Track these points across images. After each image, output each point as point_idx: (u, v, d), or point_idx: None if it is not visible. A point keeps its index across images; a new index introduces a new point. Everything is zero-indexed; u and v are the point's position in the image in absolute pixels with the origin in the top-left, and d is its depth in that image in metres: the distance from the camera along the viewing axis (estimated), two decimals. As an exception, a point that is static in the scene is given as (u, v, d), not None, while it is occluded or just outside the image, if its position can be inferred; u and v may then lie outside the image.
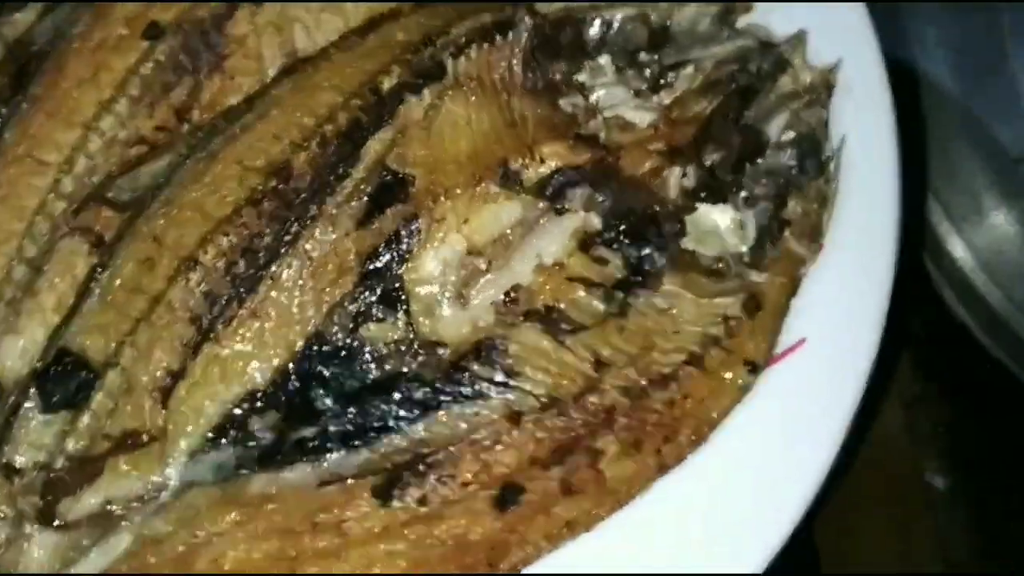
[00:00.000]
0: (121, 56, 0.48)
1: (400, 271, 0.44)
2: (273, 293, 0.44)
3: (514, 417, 0.42)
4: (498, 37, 0.46)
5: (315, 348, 0.44)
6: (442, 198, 0.44)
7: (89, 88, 0.48)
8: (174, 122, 0.48)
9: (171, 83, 0.48)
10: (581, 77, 0.47)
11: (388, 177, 0.44)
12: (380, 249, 0.44)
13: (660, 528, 0.42)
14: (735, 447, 0.43)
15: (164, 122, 0.48)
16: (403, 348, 0.44)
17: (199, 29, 0.48)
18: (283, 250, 0.44)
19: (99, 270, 0.45)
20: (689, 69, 0.47)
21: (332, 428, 0.43)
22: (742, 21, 0.48)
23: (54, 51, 0.48)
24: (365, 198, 0.44)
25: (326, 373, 0.44)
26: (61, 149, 0.47)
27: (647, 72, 0.47)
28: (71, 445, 0.43)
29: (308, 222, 0.44)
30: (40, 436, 0.43)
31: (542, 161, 0.44)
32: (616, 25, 0.47)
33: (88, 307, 0.44)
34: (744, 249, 0.46)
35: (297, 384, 0.43)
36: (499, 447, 0.42)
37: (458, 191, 0.44)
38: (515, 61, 0.46)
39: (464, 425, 0.42)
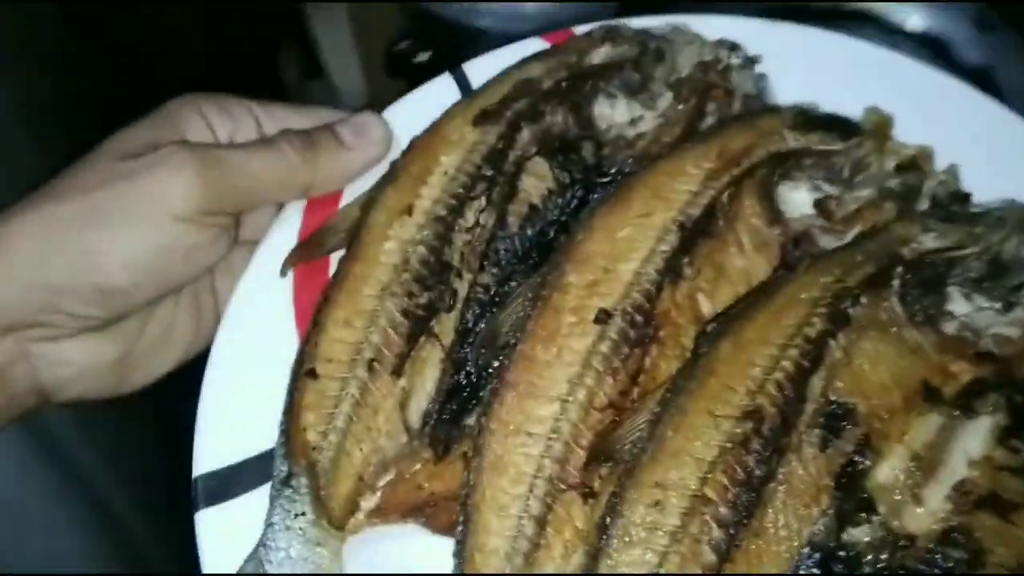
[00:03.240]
0: (577, 339, 0.59)
1: (866, 482, 0.55)
2: (769, 518, 0.54)
3: (995, 589, 0.52)
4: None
5: (810, 554, 0.54)
6: (883, 417, 0.56)
7: (558, 368, 0.59)
8: (630, 386, 0.59)
9: (625, 355, 0.59)
10: (948, 306, 0.60)
11: (835, 408, 0.56)
12: (845, 467, 0.55)
13: None
14: None
15: (624, 387, 0.59)
16: (881, 545, 0.54)
17: (638, 310, 0.60)
18: (768, 480, 0.55)
19: (609, 518, 0.55)
20: (1031, 288, 0.60)
21: (845, 620, 0.53)
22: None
23: (519, 343, 0.60)
24: (818, 428, 0.56)
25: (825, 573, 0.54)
26: (544, 422, 0.58)
27: (995, 294, 0.60)
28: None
29: (782, 454, 0.55)
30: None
31: (955, 377, 0.57)
32: (963, 264, 0.61)
33: (611, 548, 0.54)
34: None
35: (802, 589, 0.53)
36: (991, 616, 0.52)
37: (895, 411, 0.56)
38: (895, 300, 0.59)
39: (956, 602, 0.52)
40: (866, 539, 0.54)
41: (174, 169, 0.62)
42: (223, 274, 0.71)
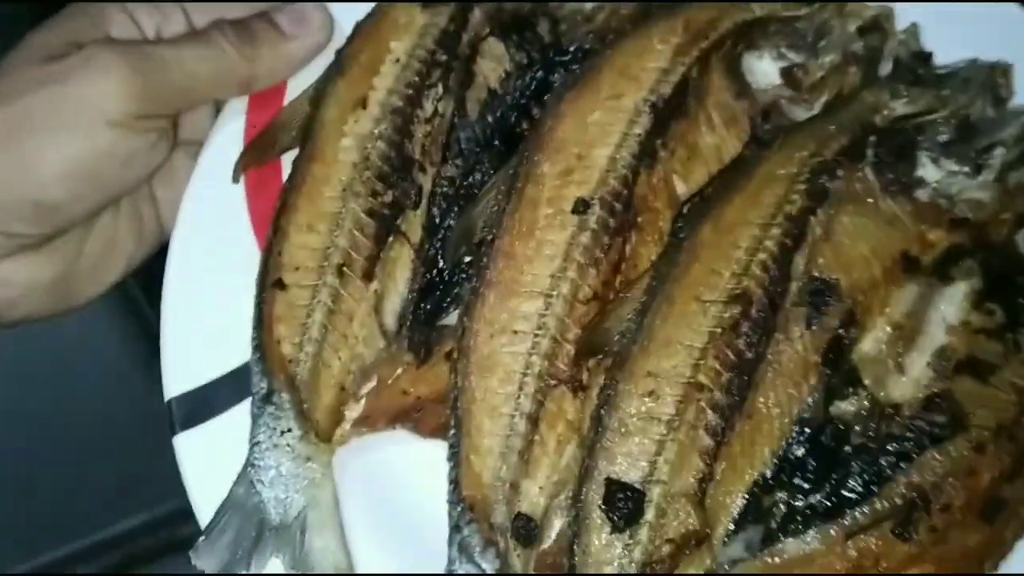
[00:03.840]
0: (556, 231, 0.58)
1: (851, 356, 0.56)
2: (760, 398, 0.55)
3: (979, 448, 0.54)
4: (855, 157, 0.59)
5: (802, 430, 0.55)
6: (865, 290, 0.56)
7: (538, 263, 0.57)
8: (612, 276, 0.58)
9: (605, 245, 0.58)
10: (918, 172, 0.60)
11: (818, 284, 0.56)
12: (831, 343, 0.56)
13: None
14: None
15: (607, 277, 0.58)
16: (868, 415, 0.55)
17: (615, 197, 0.58)
18: (759, 362, 0.55)
19: (603, 410, 0.55)
20: (999, 149, 0.60)
21: (837, 491, 0.54)
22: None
23: (496, 239, 0.58)
24: (803, 306, 0.56)
25: (815, 449, 0.55)
26: (529, 319, 0.57)
27: (963, 158, 0.60)
28: (637, 555, 0.53)
29: (770, 335, 0.55)
30: (607, 552, 0.53)
31: (932, 245, 0.57)
32: (932, 129, 0.60)
33: (607, 439, 0.54)
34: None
35: (796, 462, 0.55)
36: (975, 474, 0.54)
37: (877, 283, 0.56)
38: (869, 170, 0.59)
39: (942, 463, 0.54)
40: (853, 411, 0.56)
41: (103, 71, 0.57)
42: (163, 180, 0.66)
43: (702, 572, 0.53)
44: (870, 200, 0.59)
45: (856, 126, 0.60)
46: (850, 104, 0.61)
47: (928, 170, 0.60)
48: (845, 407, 0.56)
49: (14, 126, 0.57)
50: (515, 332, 0.57)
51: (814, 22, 0.65)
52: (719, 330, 0.55)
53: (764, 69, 0.64)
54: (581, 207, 0.58)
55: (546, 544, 0.56)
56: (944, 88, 0.62)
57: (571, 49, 0.65)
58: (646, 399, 0.55)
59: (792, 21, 0.64)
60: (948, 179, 0.60)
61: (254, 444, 0.55)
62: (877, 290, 0.57)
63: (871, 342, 0.56)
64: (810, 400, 0.56)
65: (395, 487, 0.58)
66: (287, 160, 0.63)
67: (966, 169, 0.60)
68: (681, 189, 0.61)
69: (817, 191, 0.58)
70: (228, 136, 0.64)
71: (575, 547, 0.54)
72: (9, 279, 0.61)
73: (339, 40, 0.65)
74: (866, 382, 0.56)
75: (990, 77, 0.62)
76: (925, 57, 0.65)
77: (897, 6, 0.65)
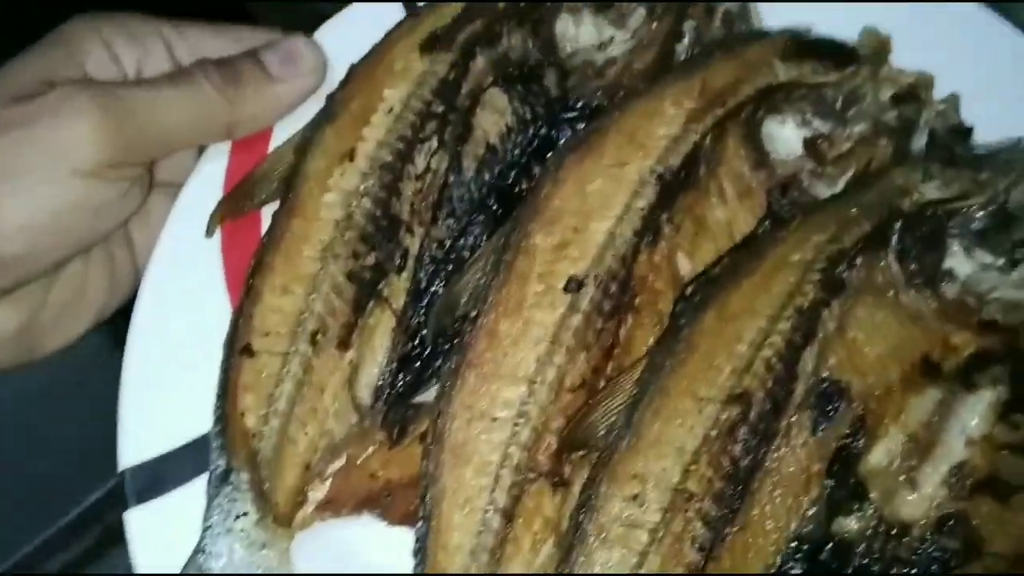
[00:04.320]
0: (546, 311, 0.54)
1: (859, 467, 0.51)
2: (755, 509, 0.50)
3: (995, 581, 0.49)
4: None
5: (798, 547, 0.50)
6: (878, 395, 0.51)
7: (524, 345, 0.53)
8: (604, 362, 0.54)
9: (597, 328, 0.54)
10: (948, 263, 0.55)
11: (828, 387, 0.52)
12: (837, 452, 0.51)
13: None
14: None
15: (598, 363, 0.54)
16: (873, 533, 0.51)
17: (612, 277, 0.54)
18: (756, 470, 0.50)
19: (583, 512, 0.51)
20: (1038, 243, 0.55)
21: (835, 616, 0.50)
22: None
23: (481, 316, 0.54)
24: (809, 410, 0.51)
25: (813, 568, 0.50)
26: (510, 405, 0.53)
27: (999, 249, 0.55)
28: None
29: (770, 440, 0.51)
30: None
31: (956, 349, 0.52)
32: (965, 215, 0.55)
33: (581, 550, 0.50)
34: None
35: (791, 581, 0.50)
36: (989, 611, 0.49)
37: (892, 388, 0.51)
38: (892, 259, 0.54)
39: (952, 594, 0.49)
40: (857, 529, 0.51)
41: (73, 116, 0.54)
42: (139, 222, 0.63)
43: None
44: (891, 293, 0.54)
45: (882, 210, 0.55)
46: (877, 184, 0.56)
47: (958, 260, 0.55)
48: (849, 523, 0.51)
49: None
50: (494, 419, 0.53)
51: (844, 88, 0.60)
52: (714, 432, 0.50)
53: (786, 136, 0.59)
54: (574, 286, 0.54)
55: (512, 655, 0.52)
56: (983, 171, 0.57)
57: (579, 105, 0.61)
58: (630, 503, 0.50)
59: (821, 87, 0.59)
60: (980, 273, 0.54)
61: (206, 528, 0.52)
62: (892, 396, 0.52)
63: (882, 453, 0.52)
64: (811, 514, 0.51)
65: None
66: (266, 212, 0.59)
67: (1000, 262, 0.55)
68: (685, 267, 0.56)
69: (833, 283, 0.53)
70: (206, 182, 0.60)
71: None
72: None
73: (332, 82, 0.62)
74: (873, 497, 0.51)
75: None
76: (964, 132, 0.60)
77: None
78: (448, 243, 0.59)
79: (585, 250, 0.55)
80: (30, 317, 0.59)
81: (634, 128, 0.57)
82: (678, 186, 0.56)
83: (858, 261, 0.54)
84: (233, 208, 0.59)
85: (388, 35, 0.61)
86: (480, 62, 0.61)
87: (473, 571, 0.51)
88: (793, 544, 0.51)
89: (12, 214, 0.54)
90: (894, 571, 0.50)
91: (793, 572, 0.50)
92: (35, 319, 0.59)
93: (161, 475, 0.54)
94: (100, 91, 0.55)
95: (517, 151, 0.61)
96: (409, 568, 0.52)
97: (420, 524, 0.52)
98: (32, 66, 0.57)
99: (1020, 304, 0.54)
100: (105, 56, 0.59)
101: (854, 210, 0.55)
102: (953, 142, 0.59)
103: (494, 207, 0.60)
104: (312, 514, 0.55)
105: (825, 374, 0.52)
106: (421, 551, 0.52)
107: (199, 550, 0.52)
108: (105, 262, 0.62)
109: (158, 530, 0.53)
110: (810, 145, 0.59)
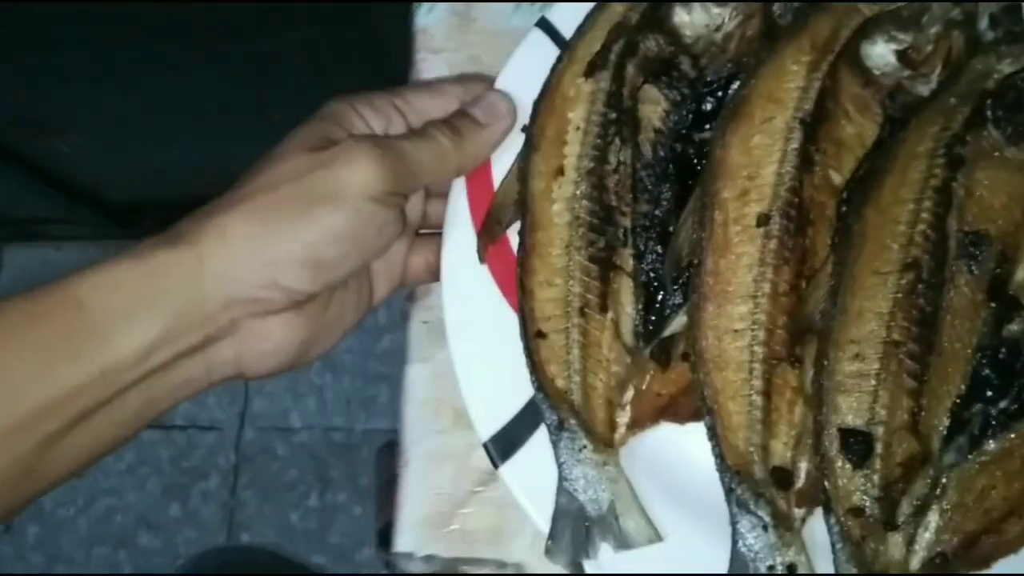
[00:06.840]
0: (748, 244, 0.72)
1: (1008, 286, 0.69)
2: (945, 338, 0.70)
3: None
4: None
5: (982, 356, 0.69)
6: (1011, 230, 0.69)
7: (740, 273, 0.72)
8: (801, 268, 0.73)
9: (790, 245, 0.72)
10: (1035, 117, 0.72)
11: (971, 237, 0.70)
12: (990, 281, 0.69)
13: None
14: None
15: (798, 270, 0.73)
16: (1038, 335, 0.70)
17: (789, 204, 0.72)
18: (938, 311, 0.69)
19: (822, 376, 0.70)
20: (1098, 81, 0.72)
21: (1020, 395, 0.69)
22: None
23: (700, 262, 0.73)
24: (964, 258, 0.70)
25: (996, 367, 0.69)
26: (744, 318, 0.72)
27: (1069, 95, 0.72)
28: (876, 480, 0.68)
29: (942, 287, 0.69)
30: (852, 485, 0.69)
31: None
32: (1038, 76, 0.72)
33: (828, 401, 0.70)
34: None
35: (983, 380, 0.69)
36: None
37: (1019, 223, 0.69)
38: (991, 128, 0.71)
39: (1103, 356, 0.68)
40: (1019, 329, 0.70)
41: (362, 158, 0.72)
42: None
43: (928, 481, 0.69)
44: (996, 154, 0.71)
45: (973, 94, 0.72)
46: (963, 76, 0.73)
47: (1047, 109, 0.72)
48: (1013, 328, 0.70)
49: (297, 200, 0.71)
50: (735, 331, 0.72)
51: (913, 2, 0.76)
52: (900, 295, 0.69)
53: (880, 54, 0.76)
54: (763, 220, 0.72)
55: (800, 484, 0.72)
56: (1040, 38, 0.73)
57: (715, 79, 0.78)
58: (854, 360, 0.70)
59: (896, 9, 0.76)
60: (1060, 117, 0.72)
61: (561, 464, 0.73)
62: (1021, 229, 0.70)
63: (1023, 271, 0.70)
64: (984, 330, 0.70)
65: (672, 467, 0.75)
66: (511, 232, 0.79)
67: (1073, 103, 0.72)
68: (838, 180, 0.74)
69: (954, 160, 0.71)
70: (458, 212, 0.80)
71: (826, 485, 0.70)
72: (271, 333, 0.74)
73: (522, 117, 0.80)
74: (1025, 304, 0.70)
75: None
76: (1013, 10, 0.76)
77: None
78: (651, 210, 0.78)
79: (763, 192, 0.73)
80: (314, 328, 0.75)
81: (770, 89, 0.74)
82: (816, 122, 0.73)
83: (968, 138, 0.71)
84: (490, 234, 0.78)
85: (552, 71, 0.80)
86: (630, 69, 0.79)
87: (754, 439, 0.71)
88: (978, 355, 0.70)
89: (332, 225, 0.71)
90: (1055, 352, 0.69)
91: (983, 373, 0.70)
92: (315, 331, 0.76)
93: (511, 438, 0.75)
94: (376, 141, 0.74)
95: (679, 127, 0.79)
96: (706, 449, 0.73)
97: (706, 417, 0.72)
98: (314, 131, 0.76)
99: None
100: (364, 124, 0.78)
101: (953, 100, 0.72)
102: (1010, 23, 0.75)
103: (673, 173, 0.78)
104: (625, 433, 0.75)
105: (967, 228, 0.70)
106: (713, 435, 0.72)
107: (563, 478, 0.73)
108: (355, 288, 0.80)
109: (526, 474, 0.75)
110: (901, 55, 0.76)
